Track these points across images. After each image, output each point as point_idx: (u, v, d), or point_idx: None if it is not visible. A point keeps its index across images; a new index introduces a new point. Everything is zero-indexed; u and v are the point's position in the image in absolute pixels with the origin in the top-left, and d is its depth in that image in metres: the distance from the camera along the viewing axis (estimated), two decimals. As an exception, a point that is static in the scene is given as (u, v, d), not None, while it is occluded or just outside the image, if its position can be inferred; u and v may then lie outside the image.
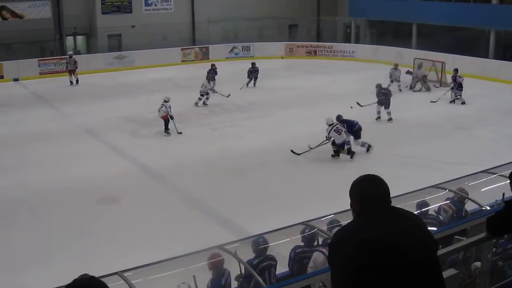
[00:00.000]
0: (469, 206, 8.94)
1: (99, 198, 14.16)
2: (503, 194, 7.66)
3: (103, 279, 3.03)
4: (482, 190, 9.38)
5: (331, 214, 8.32)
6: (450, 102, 24.18)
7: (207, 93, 23.86)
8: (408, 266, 2.94)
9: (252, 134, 19.43)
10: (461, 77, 24.21)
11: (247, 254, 7.78)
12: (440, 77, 27.71)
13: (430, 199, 8.97)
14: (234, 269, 7.52)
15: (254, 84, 27.28)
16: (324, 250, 7.46)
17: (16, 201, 14.03)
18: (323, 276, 5.78)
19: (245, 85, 26.76)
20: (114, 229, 12.45)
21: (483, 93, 25.98)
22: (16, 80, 30.00)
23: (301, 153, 16.98)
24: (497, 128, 20.12)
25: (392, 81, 26.04)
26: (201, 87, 23.81)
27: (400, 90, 25.96)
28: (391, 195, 3.21)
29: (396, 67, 26.45)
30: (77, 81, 28.86)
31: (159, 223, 12.65)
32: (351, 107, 20.98)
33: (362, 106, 20.93)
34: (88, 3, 34.76)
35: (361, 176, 3.27)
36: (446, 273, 4.74)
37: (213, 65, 25.85)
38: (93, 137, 19.65)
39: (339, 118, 17.59)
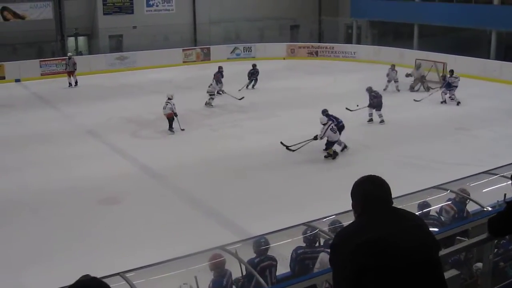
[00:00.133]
0: (471, 207, 8.94)
1: (100, 198, 14.17)
2: (505, 194, 7.66)
3: (104, 280, 3.03)
4: (483, 190, 9.38)
5: (332, 215, 8.31)
6: (441, 102, 24.17)
7: (213, 94, 23.90)
8: (409, 266, 2.94)
9: (253, 135, 19.43)
10: (457, 77, 24.29)
11: (248, 254, 7.78)
12: (441, 77, 27.69)
13: (432, 200, 8.96)
14: (235, 270, 7.52)
15: (253, 86, 27.25)
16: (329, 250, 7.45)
17: (17, 202, 14.04)
18: (326, 276, 5.77)
19: (245, 87, 26.72)
20: (115, 229, 12.46)
21: (484, 93, 25.97)
22: (17, 80, 30.03)
23: (290, 147, 17.13)
24: (498, 129, 20.11)
25: (389, 81, 26.10)
26: (209, 87, 23.89)
27: (398, 90, 25.98)
28: (393, 196, 3.21)
29: (393, 67, 26.48)
30: (76, 82, 28.77)
31: (160, 224, 12.65)
32: (357, 105, 21.04)
33: (351, 110, 20.88)
34: (90, 4, 34.79)
35: (362, 177, 3.28)
36: (448, 274, 4.73)
37: (220, 67, 25.78)
38: (94, 137, 19.67)
39: (324, 112, 17.76)
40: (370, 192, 3.17)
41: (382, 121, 20.85)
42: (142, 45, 34.51)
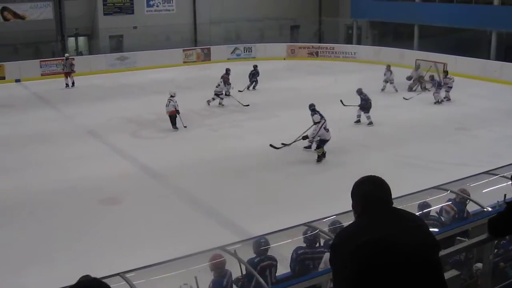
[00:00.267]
0: (471, 207, 8.94)
1: (101, 198, 14.17)
2: (505, 195, 7.66)
3: (104, 280, 3.03)
4: (483, 191, 9.37)
5: (332, 215, 8.32)
6: (435, 103, 24.24)
7: (221, 94, 23.96)
8: (409, 267, 2.94)
9: (253, 135, 19.43)
10: (451, 78, 24.56)
11: (248, 255, 7.78)
12: (441, 78, 27.69)
13: (432, 200, 8.96)
14: (235, 270, 7.53)
15: (254, 87, 27.23)
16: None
17: (17, 202, 14.03)
18: (327, 276, 5.77)
19: (246, 88, 26.70)
20: (115, 229, 12.46)
21: (484, 94, 25.99)
22: (17, 81, 30.05)
23: (279, 147, 17.20)
24: (498, 129, 20.11)
25: (386, 82, 26.15)
26: (217, 87, 23.92)
27: (396, 91, 25.96)
28: (393, 196, 3.21)
29: (388, 68, 26.51)
30: (73, 83, 28.65)
31: (160, 224, 12.65)
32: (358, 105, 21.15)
33: (345, 105, 20.93)
34: (90, 4, 34.80)
35: (362, 177, 3.28)
36: (448, 274, 4.74)
37: (228, 69, 25.73)
38: (94, 138, 19.67)
39: (310, 107, 17.91)
40: (370, 193, 3.17)
41: (370, 123, 20.77)
42: (143, 46, 34.52)
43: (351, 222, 3.22)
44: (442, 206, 9.05)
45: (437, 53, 30.06)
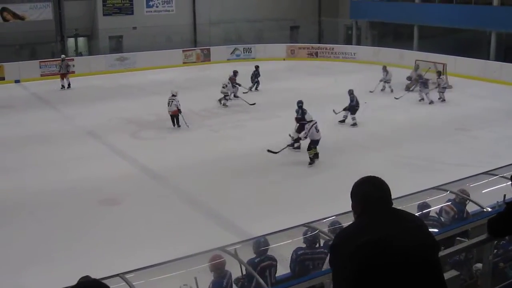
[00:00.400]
0: (470, 208, 8.93)
1: (100, 199, 14.16)
2: (504, 195, 7.66)
3: (104, 281, 3.04)
4: (483, 191, 9.37)
5: (332, 216, 8.32)
6: (419, 100, 24.63)
7: (228, 95, 24.04)
8: (409, 267, 2.94)
9: (253, 136, 19.42)
10: (443, 79, 24.73)
11: (248, 255, 7.78)
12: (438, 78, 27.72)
13: (431, 200, 8.95)
14: (235, 270, 7.52)
15: (257, 88, 27.22)
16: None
17: (17, 202, 14.03)
18: (327, 277, 5.77)
19: (249, 89, 26.69)
20: (115, 230, 12.45)
21: (484, 94, 26.01)
22: (17, 81, 30.05)
23: (278, 151, 17.02)
24: (498, 129, 20.13)
25: (385, 82, 26.17)
26: (223, 87, 23.97)
27: (392, 91, 25.96)
28: (392, 197, 3.21)
29: (384, 68, 26.55)
30: (69, 85, 28.53)
31: (160, 225, 12.65)
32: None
33: (336, 113, 21.07)
34: (90, 5, 34.80)
35: (362, 178, 3.28)
36: (448, 275, 4.74)
37: (235, 71, 25.75)
38: (94, 138, 19.66)
39: (298, 103, 18.22)
40: (370, 193, 3.17)
41: (354, 124, 20.84)
42: (142, 46, 34.51)
43: (351, 222, 3.22)
44: (441, 207, 9.04)
45: (436, 54, 30.05)
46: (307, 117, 16.95)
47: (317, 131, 16.67)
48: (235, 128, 20.67)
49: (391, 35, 38.95)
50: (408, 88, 26.37)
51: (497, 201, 8.29)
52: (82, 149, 18.25)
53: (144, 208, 13.65)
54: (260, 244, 7.91)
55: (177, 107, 20.42)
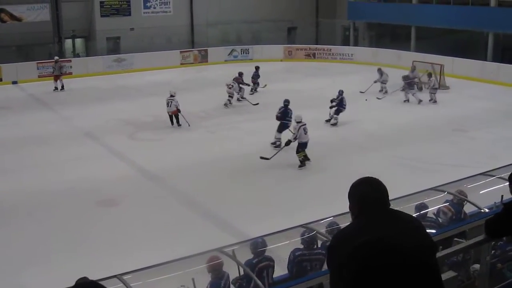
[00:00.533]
0: (468, 209, 8.94)
1: (98, 200, 14.15)
2: (502, 196, 7.66)
3: (101, 282, 3.03)
4: (481, 192, 9.38)
5: (330, 217, 8.31)
6: (404, 101, 24.72)
7: (233, 95, 24.10)
8: (407, 268, 2.94)
9: (250, 137, 19.42)
10: (431, 80, 24.93)
11: (246, 256, 7.78)
12: (439, 79, 27.76)
13: (429, 201, 8.96)
14: (233, 272, 7.52)
15: (256, 89, 27.22)
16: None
17: (15, 203, 14.02)
18: (324, 278, 5.78)
19: (255, 90, 26.69)
20: (112, 231, 12.45)
21: (482, 95, 26.04)
22: (14, 82, 30.00)
23: (271, 157, 16.74)
24: (495, 130, 20.15)
25: (379, 83, 26.18)
26: (230, 88, 24.00)
27: (386, 92, 25.96)
28: (390, 198, 3.21)
29: (379, 70, 26.58)
30: (62, 86, 28.33)
31: (157, 226, 12.65)
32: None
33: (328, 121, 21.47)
34: (87, 6, 34.77)
35: (359, 179, 3.28)
36: (445, 275, 4.74)
37: (241, 73, 25.81)
38: (91, 139, 19.64)
39: (285, 102, 18.52)
40: (367, 194, 3.17)
41: (334, 124, 21.08)
42: (140, 47, 34.51)
43: (349, 223, 3.22)
44: (439, 207, 9.05)
45: (434, 55, 30.09)
46: (296, 118, 16.84)
47: (305, 133, 16.52)
48: (232, 129, 20.65)
49: (389, 36, 38.97)
50: (404, 89, 26.41)
51: (495, 202, 8.30)
52: (80, 150, 18.23)
53: (141, 209, 13.65)
54: (258, 245, 7.91)
55: (177, 107, 20.57)
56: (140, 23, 35.53)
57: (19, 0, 32.38)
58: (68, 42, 35.02)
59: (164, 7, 36.85)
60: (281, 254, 8.22)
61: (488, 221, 4.41)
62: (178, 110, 20.61)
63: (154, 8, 36.56)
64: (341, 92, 21.23)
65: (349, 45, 38.62)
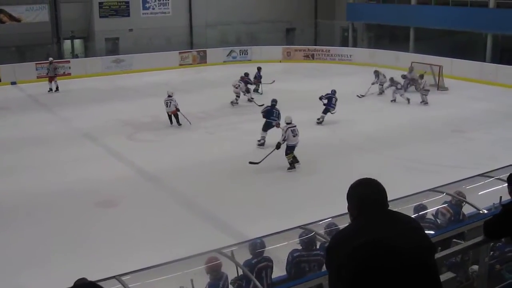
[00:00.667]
0: (467, 210, 8.95)
1: (97, 201, 14.14)
2: (501, 197, 7.66)
3: (100, 283, 3.03)
4: (479, 193, 9.38)
5: (328, 218, 8.31)
6: (391, 101, 24.98)
7: (239, 95, 24.25)
8: (405, 269, 2.94)
9: (249, 137, 19.38)
10: (423, 82, 24.94)
11: (245, 257, 7.78)
12: (437, 80, 27.80)
13: (428, 202, 8.96)
14: (231, 272, 7.52)
15: (258, 89, 27.24)
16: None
17: (14, 205, 14.01)
18: (323, 279, 5.78)
19: (255, 91, 26.72)
20: (111, 232, 12.44)
21: (480, 96, 26.05)
22: (13, 83, 30.00)
23: (259, 162, 16.54)
24: (494, 131, 20.17)
25: (381, 85, 26.21)
26: (236, 88, 24.16)
27: (381, 93, 25.95)
28: (388, 199, 3.21)
29: (376, 72, 26.62)
30: (57, 88, 28.24)
31: (156, 227, 12.64)
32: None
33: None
34: (86, 7, 34.77)
35: (358, 180, 3.27)
36: (444, 277, 4.75)
37: (246, 73, 25.89)
38: (90, 140, 19.64)
39: (272, 101, 18.79)
40: (366, 195, 3.17)
41: (319, 122, 21.41)
42: (139, 48, 34.53)
43: (347, 224, 3.22)
44: (438, 209, 9.05)
45: (432, 56, 30.12)
46: (286, 120, 16.75)
47: (294, 135, 16.33)
48: (231, 130, 20.64)
49: (387, 37, 39.00)
50: (404, 90, 26.45)
51: (493, 203, 8.31)
52: (79, 151, 18.24)
53: (140, 210, 13.65)
54: (257, 246, 7.91)
55: (176, 107, 20.69)
56: (139, 24, 35.54)
57: (18, 0, 32.40)
58: (67, 43, 35.01)
59: (163, 8, 36.86)
60: (279, 255, 8.22)
61: (487, 222, 4.41)
62: (177, 110, 20.68)
63: (153, 9, 36.56)
64: (333, 92, 21.40)
65: (347, 46, 38.63)
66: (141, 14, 36.21)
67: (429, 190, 9.31)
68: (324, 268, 7.49)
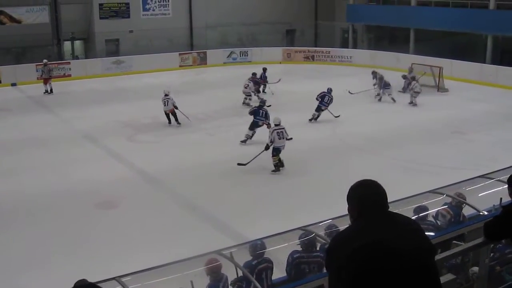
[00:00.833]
0: (467, 211, 8.94)
1: (97, 202, 14.14)
2: (501, 199, 7.66)
3: (100, 284, 3.03)
4: (479, 195, 9.38)
5: (328, 219, 8.31)
6: (378, 100, 25.32)
7: (250, 95, 24.32)
8: (405, 271, 2.94)
9: (250, 140, 19.39)
10: (415, 83, 25.04)
11: (245, 259, 7.78)
12: (438, 82, 27.80)
13: (428, 204, 8.96)
14: (231, 274, 7.52)
15: (264, 90, 27.23)
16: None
17: (14, 206, 14.01)
18: (322, 280, 5.77)
19: (263, 92, 26.73)
20: (111, 233, 12.43)
21: (480, 97, 26.06)
22: (13, 84, 29.99)
23: (247, 163, 16.48)
24: (494, 133, 20.17)
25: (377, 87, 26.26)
26: (245, 88, 24.24)
27: (378, 94, 26.00)
28: (389, 200, 3.21)
29: (374, 73, 26.62)
30: (51, 90, 28.14)
31: (156, 228, 12.64)
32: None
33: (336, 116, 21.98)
34: (86, 8, 34.76)
35: (358, 181, 3.27)
36: (444, 278, 4.75)
37: (254, 73, 25.94)
38: (90, 141, 19.63)
39: (261, 102, 19.15)
40: (366, 197, 3.17)
41: (311, 120, 21.75)
42: (139, 49, 34.54)
43: (347, 226, 3.22)
44: (438, 210, 9.05)
45: (433, 57, 30.10)
46: (274, 121, 16.73)
47: (280, 138, 16.18)
48: (231, 131, 20.59)
49: (387, 38, 39.00)
50: (404, 90, 26.47)
51: (494, 205, 8.30)
52: (79, 152, 18.23)
53: (140, 212, 13.64)
54: (257, 247, 7.92)
55: (173, 105, 20.88)
56: (139, 25, 35.52)
57: (18, 2, 32.40)
58: (67, 44, 34.99)
59: (163, 9, 36.85)
60: (279, 256, 8.22)
61: (487, 223, 4.41)
62: (175, 107, 20.84)
63: (153, 10, 36.56)
64: (329, 90, 21.58)
65: (348, 48, 38.60)
66: (141, 15, 36.20)
67: (429, 191, 9.31)
68: (324, 269, 7.49)
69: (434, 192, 9.29)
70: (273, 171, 16.34)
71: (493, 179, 9.13)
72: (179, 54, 35.78)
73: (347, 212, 3.25)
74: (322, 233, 8.06)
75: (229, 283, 7.50)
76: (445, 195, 9.15)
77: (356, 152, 18.20)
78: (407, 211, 8.02)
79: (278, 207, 13.68)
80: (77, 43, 36.00)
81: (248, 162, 16.40)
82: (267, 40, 38.49)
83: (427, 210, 8.87)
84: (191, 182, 15.61)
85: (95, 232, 12.57)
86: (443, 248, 5.39)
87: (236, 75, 27.54)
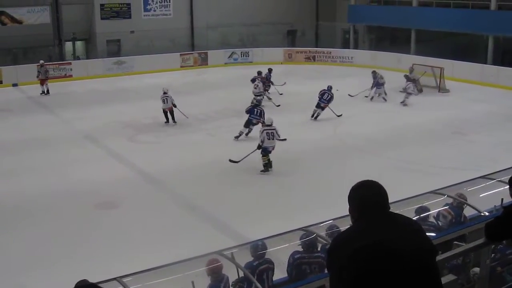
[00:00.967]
0: (468, 212, 8.93)
1: (98, 203, 14.14)
2: (502, 199, 7.65)
3: (101, 285, 3.03)
4: (480, 195, 9.36)
5: (329, 220, 8.30)
6: (370, 99, 25.65)
7: (260, 95, 24.18)
8: (407, 271, 2.94)
9: (249, 139, 19.37)
10: (408, 84, 25.14)
11: (245, 259, 7.77)
12: (439, 82, 27.80)
13: (429, 204, 8.95)
14: (232, 274, 7.51)
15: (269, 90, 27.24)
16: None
17: (14, 206, 14.00)
18: (323, 281, 5.77)
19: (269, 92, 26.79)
20: (112, 234, 12.43)
21: (481, 98, 26.05)
22: (15, 85, 30.00)
23: (239, 161, 16.54)
24: (495, 133, 20.17)
25: (376, 87, 26.24)
26: (255, 88, 24.22)
27: (375, 95, 26.02)
28: (390, 201, 3.20)
29: (373, 73, 26.61)
30: (47, 91, 28.15)
31: (157, 228, 12.64)
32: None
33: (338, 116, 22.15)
34: (87, 9, 34.78)
35: (359, 182, 3.27)
36: (445, 279, 4.75)
37: (260, 71, 25.96)
38: (91, 142, 19.64)
39: (256, 101, 19.41)
40: (367, 198, 3.17)
41: (313, 117, 22.07)
42: (140, 50, 34.54)
43: (348, 226, 3.21)
44: (439, 211, 9.03)
45: (434, 58, 30.10)
46: (266, 121, 16.78)
47: (269, 138, 16.15)
48: (232, 132, 20.56)
49: (389, 39, 39.00)
50: (404, 89, 26.48)
51: (495, 205, 8.29)
52: (80, 153, 18.24)
53: (141, 212, 13.64)
54: (258, 248, 7.90)
55: (172, 103, 21.10)
56: (140, 26, 35.54)
57: (19, 2, 32.42)
58: (68, 45, 35.00)
59: (164, 10, 36.87)
60: (280, 257, 8.21)
61: (488, 224, 4.41)
62: (174, 106, 21.04)
63: (154, 11, 36.58)
64: (329, 88, 21.79)
65: (349, 48, 38.61)
66: (143, 16, 36.22)
67: (430, 192, 9.30)
68: (325, 270, 7.48)
69: (435, 192, 9.28)
70: (262, 171, 16.34)
71: (494, 179, 9.11)
72: (180, 54, 35.79)
73: (348, 213, 3.24)
74: (323, 233, 8.05)
75: (230, 283, 7.50)
76: (446, 196, 9.14)
77: (357, 153, 18.20)
78: (408, 211, 8.01)
79: (279, 207, 13.68)
80: (78, 43, 36.00)
81: (240, 160, 16.46)
82: (268, 40, 38.50)
83: (428, 210, 8.86)
84: (192, 182, 15.62)
85: (95, 232, 12.56)
86: (444, 249, 5.37)
87: (237, 75, 27.56)
